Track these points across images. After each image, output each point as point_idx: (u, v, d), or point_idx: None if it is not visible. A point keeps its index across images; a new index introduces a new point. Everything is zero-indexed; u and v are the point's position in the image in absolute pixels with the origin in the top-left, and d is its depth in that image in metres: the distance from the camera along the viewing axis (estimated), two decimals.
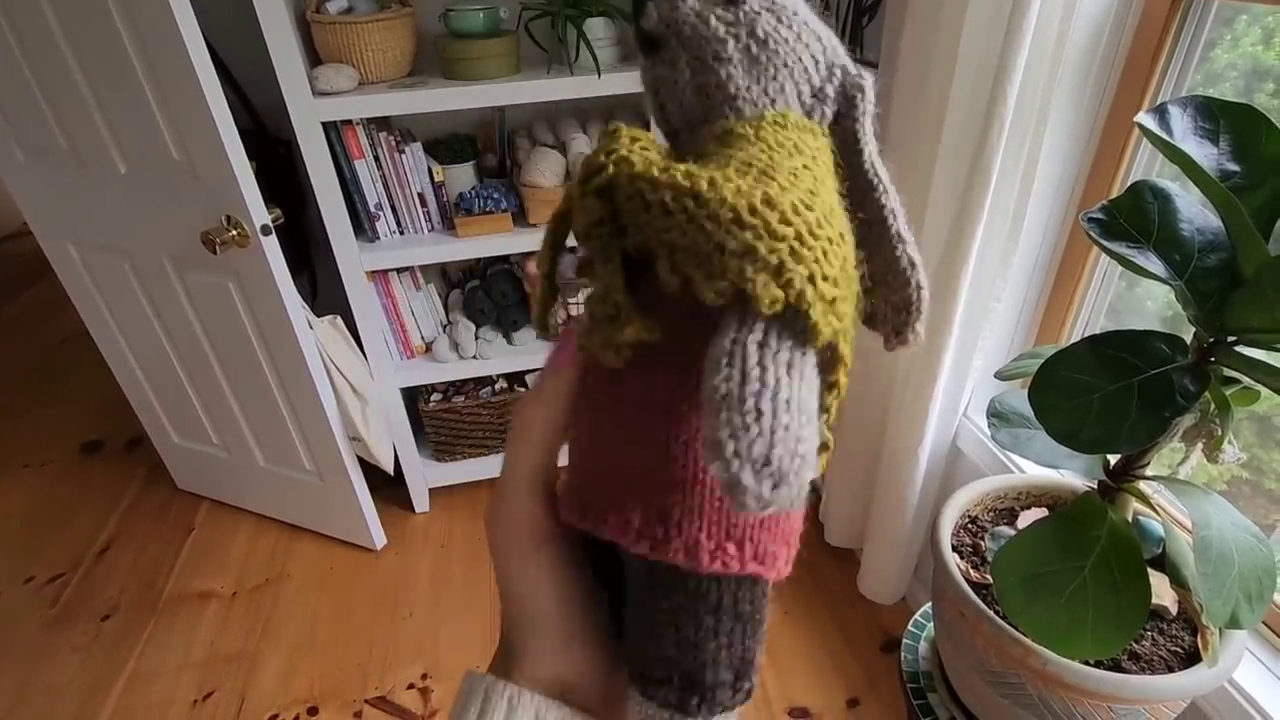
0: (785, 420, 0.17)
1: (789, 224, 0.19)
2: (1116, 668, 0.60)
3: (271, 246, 1.30)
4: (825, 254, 0.19)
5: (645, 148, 0.21)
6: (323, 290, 1.90)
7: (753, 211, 0.19)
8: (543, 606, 0.25)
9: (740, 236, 0.18)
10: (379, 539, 1.78)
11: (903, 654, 0.81)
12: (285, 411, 1.60)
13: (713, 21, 0.23)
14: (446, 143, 1.62)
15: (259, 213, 1.26)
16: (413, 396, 1.81)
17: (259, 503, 1.89)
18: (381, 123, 1.47)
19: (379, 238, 1.53)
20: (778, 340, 0.18)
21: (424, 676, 1.49)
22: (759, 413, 0.17)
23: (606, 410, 0.23)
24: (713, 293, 0.19)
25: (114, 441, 2.18)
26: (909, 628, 0.83)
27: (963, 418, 1.26)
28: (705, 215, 0.19)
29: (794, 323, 0.18)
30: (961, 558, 0.72)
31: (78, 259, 1.54)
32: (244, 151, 1.21)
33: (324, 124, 1.34)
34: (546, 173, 1.49)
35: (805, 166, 0.21)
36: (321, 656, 1.53)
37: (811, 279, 0.18)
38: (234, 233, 1.26)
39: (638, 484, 0.22)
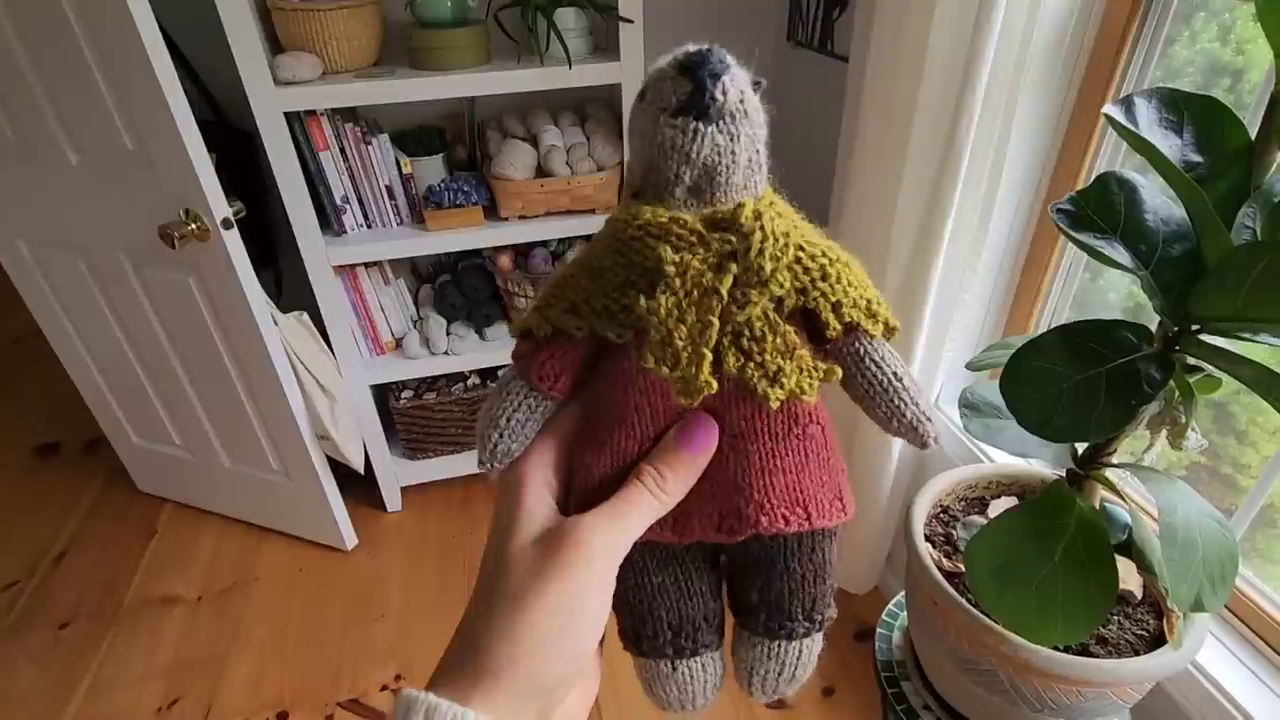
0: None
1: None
2: (1085, 652, 0.61)
3: (233, 240, 1.26)
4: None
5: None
6: (288, 286, 1.85)
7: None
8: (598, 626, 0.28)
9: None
10: (349, 539, 1.75)
11: (876, 643, 0.81)
12: (250, 410, 1.56)
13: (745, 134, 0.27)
14: (415, 134, 1.59)
15: (219, 206, 1.22)
16: (383, 394, 1.78)
17: (224, 504, 1.84)
18: (347, 113, 1.44)
19: (346, 231, 1.50)
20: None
21: (397, 678, 1.46)
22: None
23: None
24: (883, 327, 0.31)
25: (71, 443, 2.11)
26: (882, 617, 0.83)
27: (934, 409, 1.28)
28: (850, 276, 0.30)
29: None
30: (934, 547, 0.73)
31: (28, 256, 1.49)
32: (203, 142, 1.17)
33: (287, 114, 1.30)
34: (518, 165, 1.47)
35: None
36: (291, 660, 1.50)
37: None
38: (193, 226, 1.22)
39: (771, 490, 0.30)
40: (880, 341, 0.31)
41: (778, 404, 0.29)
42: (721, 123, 0.26)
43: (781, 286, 0.28)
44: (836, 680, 1.42)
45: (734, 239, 0.27)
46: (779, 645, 0.33)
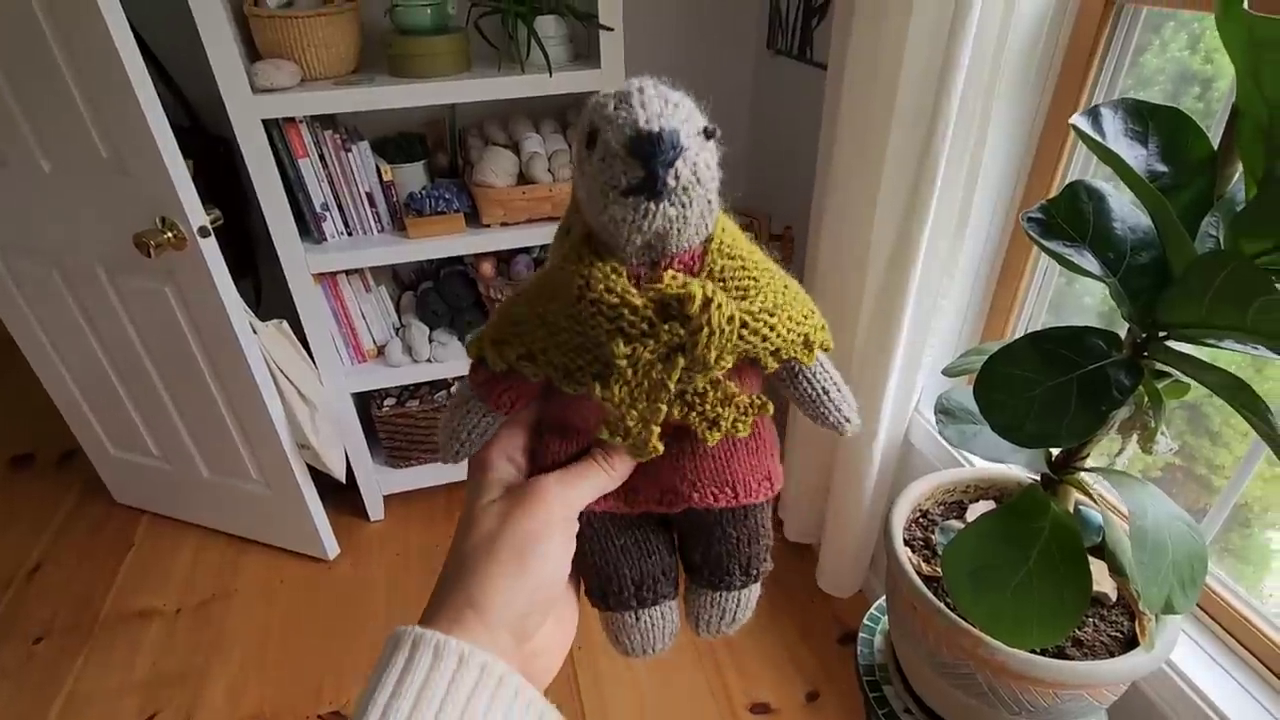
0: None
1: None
2: (1061, 654, 0.62)
3: (210, 249, 1.25)
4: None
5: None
6: (268, 294, 1.84)
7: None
8: (564, 571, 0.33)
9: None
10: (331, 549, 1.73)
11: (858, 647, 0.82)
12: (229, 420, 1.54)
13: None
14: (395, 141, 1.58)
15: (196, 214, 1.21)
16: (365, 401, 1.77)
17: (203, 515, 1.82)
18: (327, 120, 1.43)
19: (326, 239, 1.49)
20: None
21: None
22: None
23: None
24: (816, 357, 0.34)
25: (45, 455, 2.07)
26: (864, 621, 0.84)
27: (914, 413, 1.29)
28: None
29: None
30: (914, 551, 0.73)
31: (0, 265, 1.46)
32: (178, 150, 1.16)
33: (265, 122, 1.29)
34: (499, 172, 1.47)
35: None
36: (272, 672, 1.49)
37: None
38: (169, 235, 1.21)
39: (702, 475, 0.34)
40: (814, 362, 0.34)
41: (714, 443, 0.33)
42: (673, 196, 0.26)
43: (725, 367, 0.30)
44: (820, 684, 1.43)
45: (682, 333, 0.28)
46: (720, 595, 0.38)
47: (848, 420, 0.36)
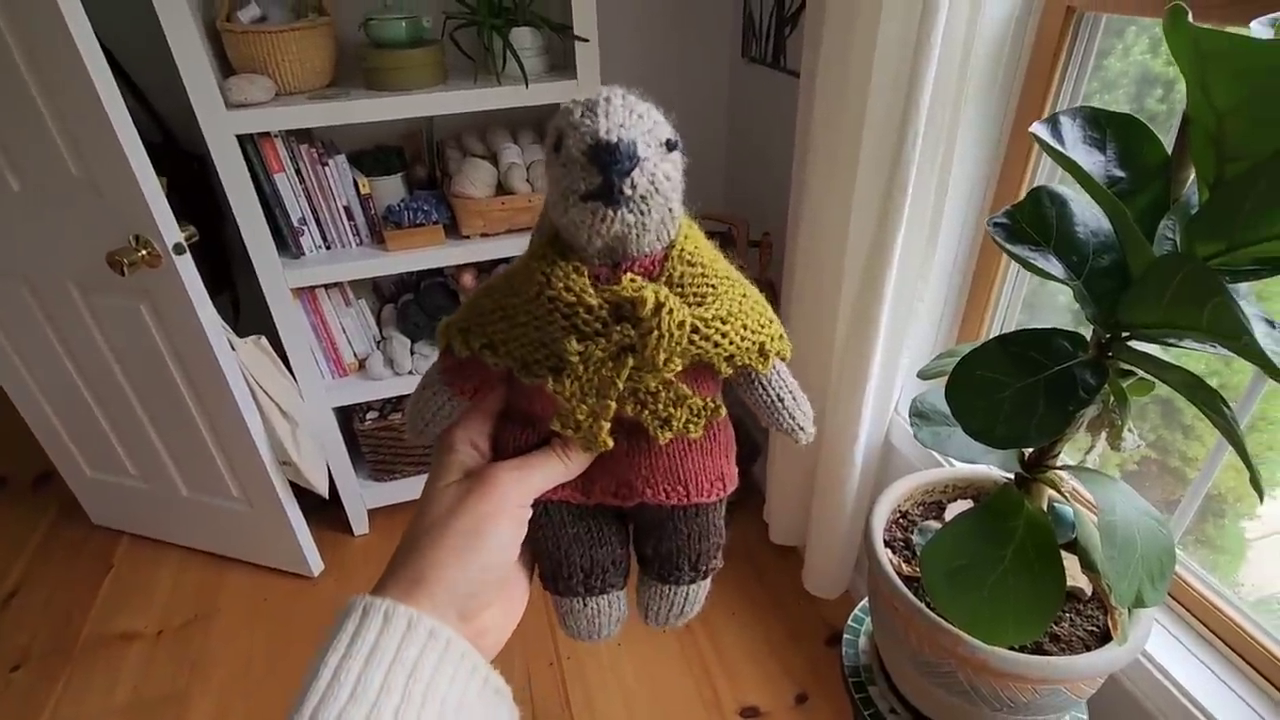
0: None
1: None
2: (1039, 650, 0.63)
3: (186, 266, 1.24)
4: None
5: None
6: (246, 309, 1.82)
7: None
8: (512, 554, 0.34)
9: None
10: (315, 565, 1.71)
11: (843, 648, 0.82)
12: (209, 438, 1.52)
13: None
14: (373, 154, 1.58)
15: (170, 231, 1.20)
16: (347, 416, 1.75)
17: (184, 535, 1.79)
18: (303, 135, 1.42)
19: (304, 253, 1.48)
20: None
21: None
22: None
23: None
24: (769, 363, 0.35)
25: (19, 478, 2.03)
26: (849, 622, 0.85)
27: (894, 414, 1.30)
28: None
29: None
30: (894, 552, 0.74)
31: None
32: (151, 166, 1.15)
33: (239, 137, 1.28)
34: (478, 183, 1.47)
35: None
36: (257, 693, 1.47)
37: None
38: (143, 253, 1.19)
39: (655, 472, 0.35)
40: (770, 370, 0.35)
41: (666, 441, 0.34)
42: (631, 204, 0.27)
43: (674, 369, 0.31)
44: (809, 686, 1.44)
45: (633, 334, 0.30)
46: (670, 589, 0.39)
47: (801, 429, 0.37)
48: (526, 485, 0.34)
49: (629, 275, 0.30)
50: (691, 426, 0.34)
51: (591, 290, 0.30)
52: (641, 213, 0.28)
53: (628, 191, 0.27)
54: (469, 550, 0.31)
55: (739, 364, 0.33)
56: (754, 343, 0.34)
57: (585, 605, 0.39)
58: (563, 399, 0.31)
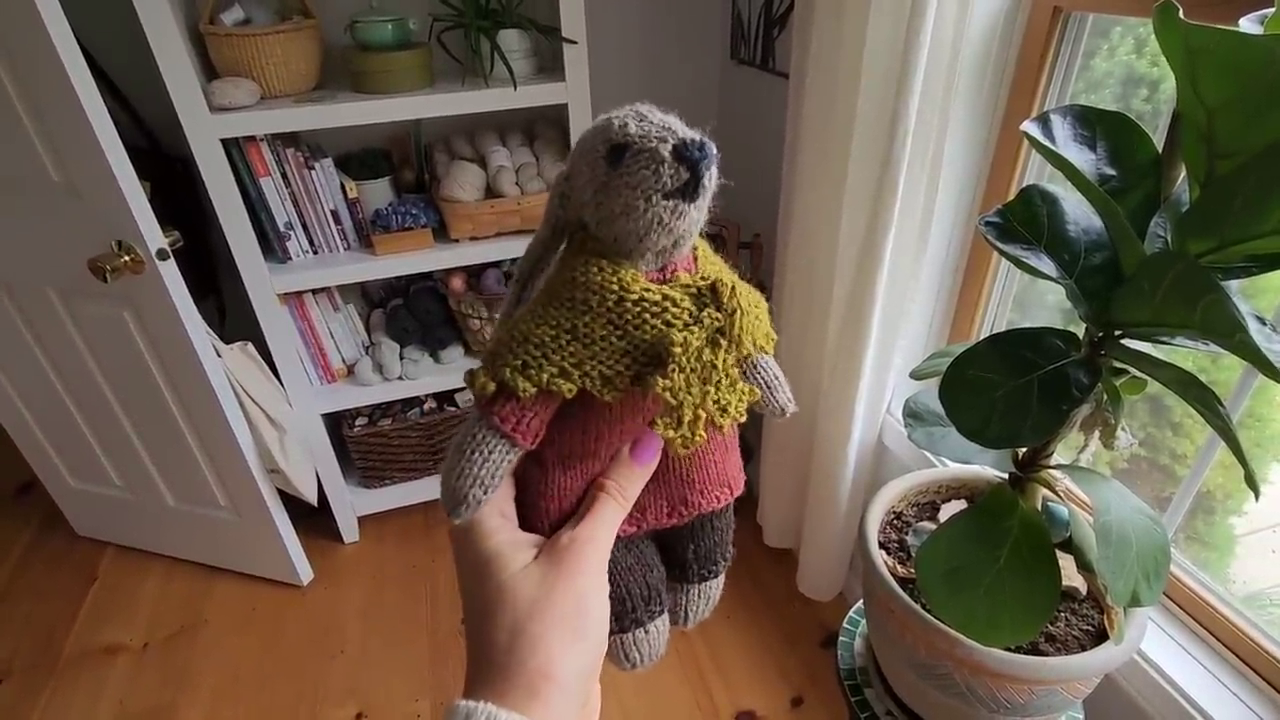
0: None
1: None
2: (1035, 650, 0.63)
3: (170, 272, 1.22)
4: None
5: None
6: (232, 315, 1.80)
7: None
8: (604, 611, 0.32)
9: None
10: (305, 574, 1.69)
11: (839, 651, 0.82)
12: (195, 446, 1.50)
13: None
14: (360, 158, 1.57)
15: (154, 236, 1.18)
16: (336, 422, 1.74)
17: (170, 545, 1.76)
18: (289, 138, 1.41)
19: (291, 258, 1.46)
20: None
21: (358, 716, 1.42)
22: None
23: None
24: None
25: (1, 488, 2.00)
26: (844, 624, 0.84)
27: (886, 415, 1.30)
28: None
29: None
30: (889, 554, 0.74)
31: None
32: (134, 171, 1.13)
33: (224, 141, 1.27)
34: (466, 186, 1.46)
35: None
36: (246, 704, 1.44)
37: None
38: (126, 259, 1.18)
39: (708, 480, 0.37)
40: (770, 353, 0.37)
41: (727, 424, 0.34)
42: (701, 200, 0.30)
43: (749, 349, 0.33)
44: (805, 689, 1.43)
45: (721, 317, 0.31)
46: (708, 585, 0.41)
47: (789, 403, 0.38)
48: (604, 546, 0.33)
49: (682, 273, 0.32)
50: (741, 411, 0.34)
51: (667, 286, 0.31)
52: (702, 210, 0.30)
53: (709, 185, 0.29)
54: (578, 632, 0.30)
55: (760, 345, 0.35)
56: (762, 333, 0.35)
57: (648, 633, 0.38)
58: (670, 395, 0.31)
